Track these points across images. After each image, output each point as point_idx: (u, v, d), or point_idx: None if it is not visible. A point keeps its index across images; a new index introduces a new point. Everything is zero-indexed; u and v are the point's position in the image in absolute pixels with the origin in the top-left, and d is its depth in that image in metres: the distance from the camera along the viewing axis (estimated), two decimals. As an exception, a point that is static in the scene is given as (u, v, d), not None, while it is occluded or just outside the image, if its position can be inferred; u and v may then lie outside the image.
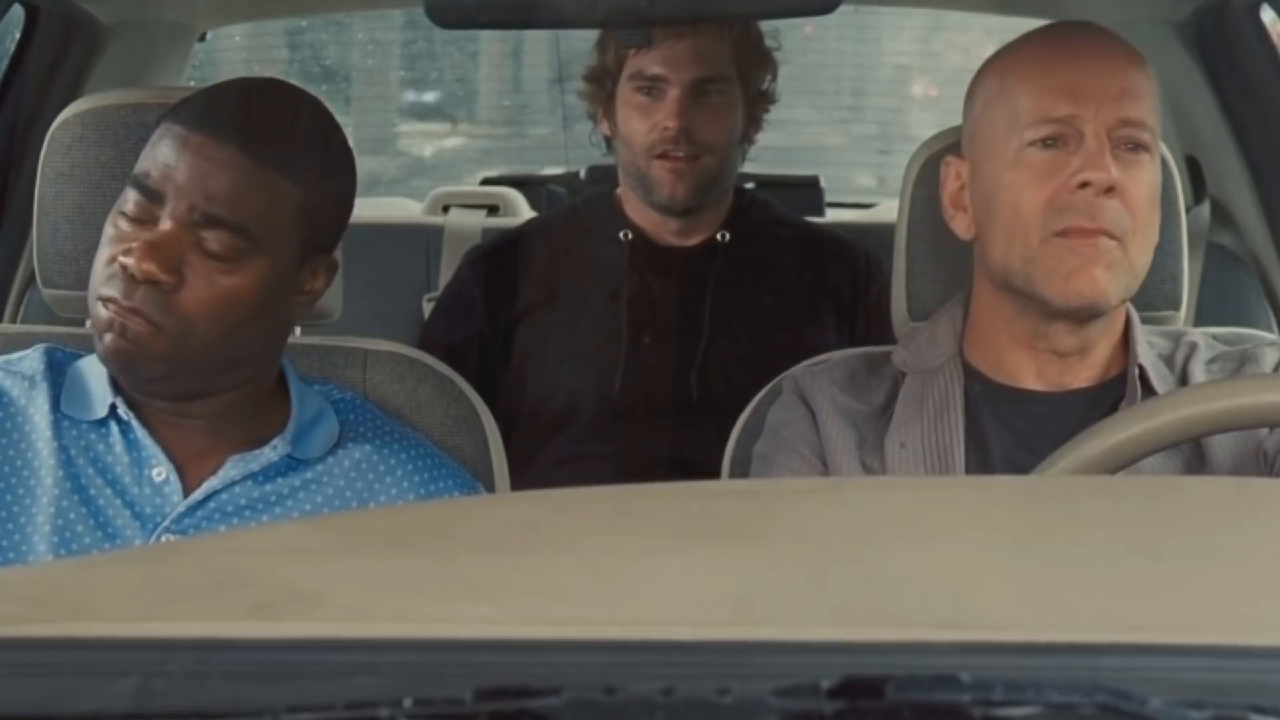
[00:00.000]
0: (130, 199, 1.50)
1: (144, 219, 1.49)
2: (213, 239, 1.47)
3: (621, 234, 2.37)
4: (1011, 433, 1.58)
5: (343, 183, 1.59)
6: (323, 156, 1.55)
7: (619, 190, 2.42)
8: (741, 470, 1.73)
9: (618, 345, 2.31)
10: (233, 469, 1.55)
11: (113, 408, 1.54)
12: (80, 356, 1.61)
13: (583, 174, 3.94)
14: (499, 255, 2.43)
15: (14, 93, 2.48)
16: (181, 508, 1.52)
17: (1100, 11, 2.54)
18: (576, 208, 2.53)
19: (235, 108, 1.52)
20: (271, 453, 1.56)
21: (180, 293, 1.47)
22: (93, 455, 1.53)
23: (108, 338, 1.47)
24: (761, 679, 0.61)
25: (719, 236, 2.38)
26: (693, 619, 0.68)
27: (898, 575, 0.74)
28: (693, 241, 2.38)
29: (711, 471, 1.80)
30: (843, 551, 0.80)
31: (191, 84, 3.03)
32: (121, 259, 1.46)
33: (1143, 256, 1.55)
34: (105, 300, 1.47)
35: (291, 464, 1.57)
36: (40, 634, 0.66)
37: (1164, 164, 1.68)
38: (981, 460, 1.57)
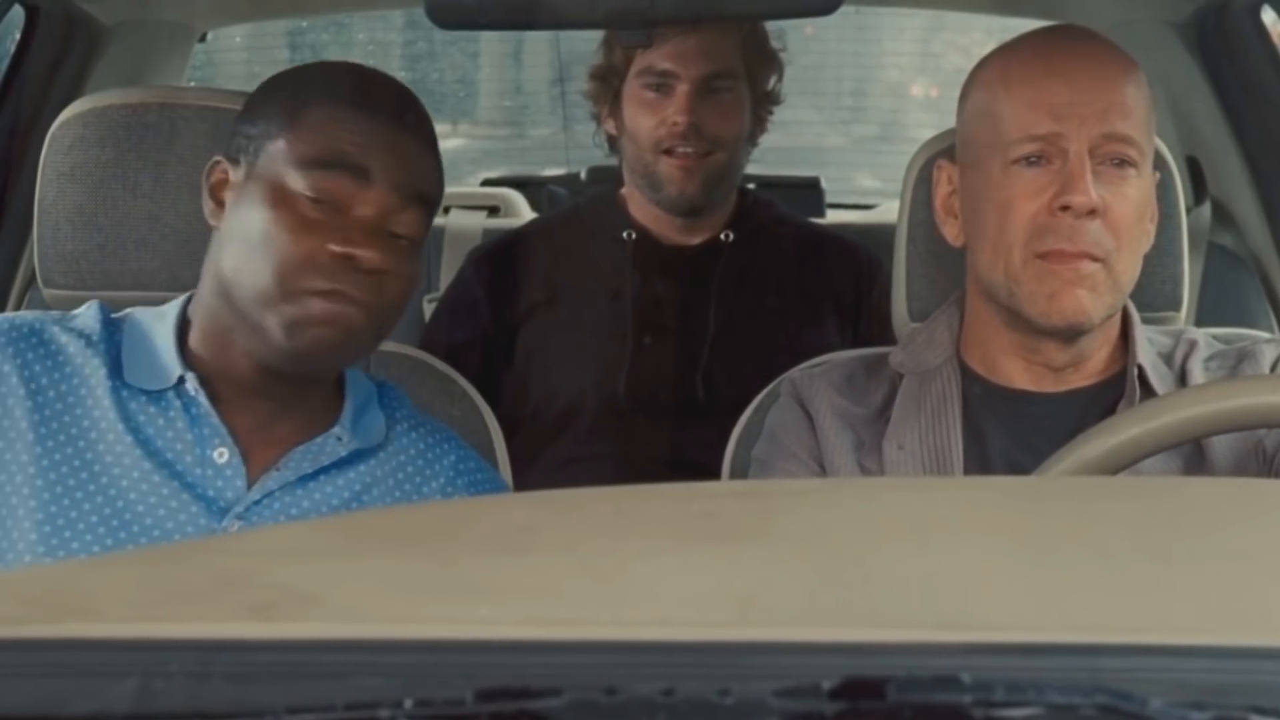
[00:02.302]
0: (316, 182, 1.45)
1: (333, 202, 1.45)
2: (409, 219, 1.47)
3: (625, 234, 2.37)
4: (1010, 432, 1.58)
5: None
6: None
7: (623, 190, 2.42)
8: (741, 473, 1.73)
9: (621, 346, 2.31)
10: (303, 461, 1.50)
11: (180, 380, 1.49)
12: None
13: (583, 175, 3.95)
14: (502, 255, 2.43)
15: (14, 93, 2.48)
16: (256, 495, 1.47)
17: (1100, 12, 2.55)
18: (579, 207, 2.53)
19: (394, 96, 1.52)
20: (338, 445, 1.52)
21: (389, 278, 1.45)
22: (152, 429, 1.47)
23: (315, 332, 1.43)
24: (762, 680, 0.61)
25: (723, 236, 2.38)
26: (693, 620, 0.68)
27: (898, 576, 0.74)
28: (696, 241, 2.38)
29: (715, 473, 1.80)
30: (843, 552, 0.80)
31: (191, 84, 3.03)
32: (336, 247, 1.42)
33: (1129, 273, 1.54)
34: (324, 294, 1.42)
35: (353, 455, 1.54)
36: (41, 634, 0.66)
37: (1164, 164, 1.68)
38: (980, 460, 1.57)
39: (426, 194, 1.49)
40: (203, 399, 1.48)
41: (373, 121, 1.46)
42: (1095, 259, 1.50)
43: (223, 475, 1.47)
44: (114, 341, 1.51)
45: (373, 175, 1.45)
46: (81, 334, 1.51)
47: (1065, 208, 1.49)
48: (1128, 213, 1.52)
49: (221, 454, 1.48)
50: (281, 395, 1.51)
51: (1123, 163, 1.52)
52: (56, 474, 1.45)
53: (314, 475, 1.51)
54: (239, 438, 1.49)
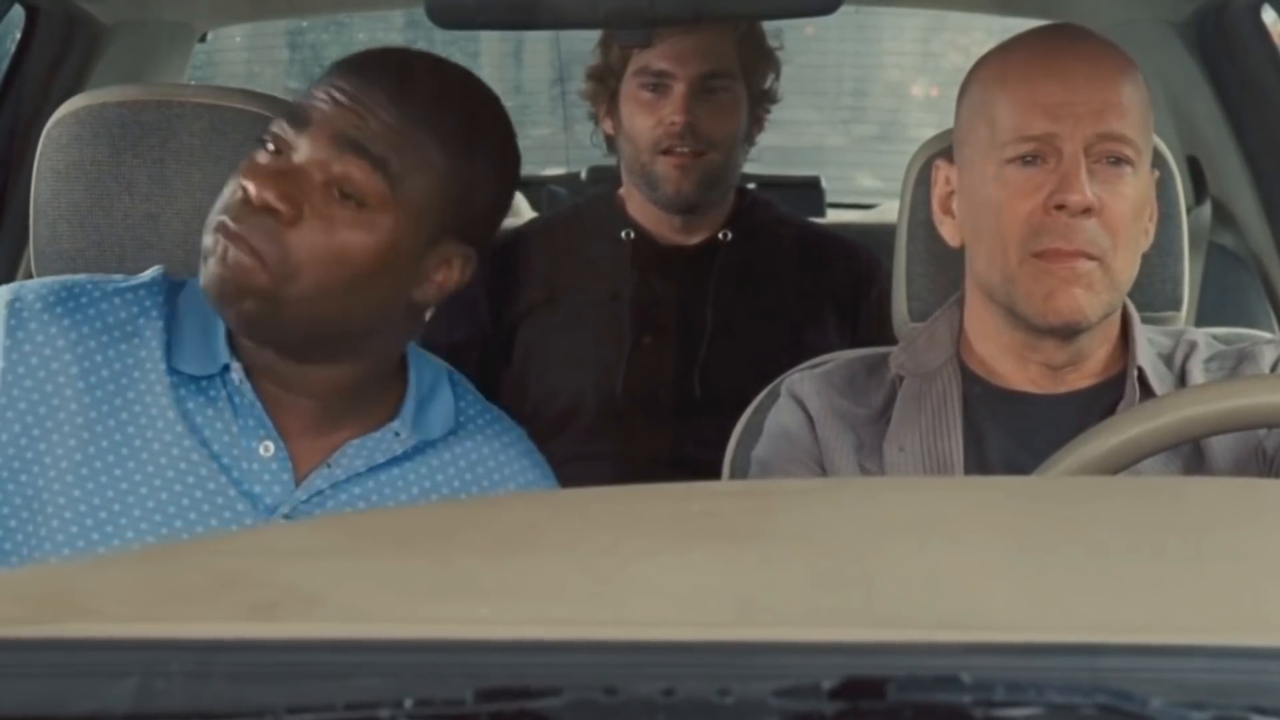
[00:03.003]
0: (271, 129, 1.41)
1: (280, 150, 1.40)
2: (352, 169, 1.38)
3: (623, 233, 2.37)
4: (1010, 434, 1.58)
5: (500, 174, 1.49)
6: (484, 139, 1.46)
7: (621, 190, 2.43)
8: (741, 473, 1.73)
9: (619, 345, 2.31)
10: (356, 458, 1.45)
11: (225, 368, 1.43)
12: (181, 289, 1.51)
13: (583, 174, 3.95)
14: (501, 255, 2.42)
15: (14, 93, 2.48)
16: (303, 495, 1.42)
17: (1100, 12, 2.55)
18: (578, 207, 2.54)
19: (396, 66, 1.44)
20: (395, 442, 1.47)
21: (294, 229, 1.36)
22: (200, 417, 1.43)
23: (210, 263, 1.36)
24: (762, 679, 0.61)
25: (721, 236, 2.38)
26: (694, 619, 0.68)
27: (899, 575, 0.74)
28: (695, 241, 2.38)
29: (713, 471, 1.80)
30: (844, 551, 0.80)
31: (191, 84, 3.03)
32: (243, 181, 1.36)
33: (1126, 271, 1.53)
34: (216, 227, 1.37)
35: (414, 451, 1.48)
36: (41, 635, 0.66)
37: (1164, 164, 1.68)
38: (980, 462, 1.57)
39: (372, 150, 1.38)
40: (248, 388, 1.43)
41: (345, 78, 1.41)
42: (1091, 258, 1.50)
43: (269, 469, 1.43)
44: (169, 318, 1.46)
45: (311, 121, 1.39)
46: (141, 307, 1.46)
47: (1060, 206, 1.49)
48: (1124, 211, 1.52)
49: (267, 448, 1.43)
50: (310, 389, 1.44)
51: (1119, 161, 1.52)
52: (103, 462, 1.40)
53: (368, 473, 1.46)
54: (285, 434, 1.44)
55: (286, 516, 1.42)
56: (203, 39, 3.01)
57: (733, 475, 1.75)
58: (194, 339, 1.45)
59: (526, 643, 0.64)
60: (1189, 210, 2.08)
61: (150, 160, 1.69)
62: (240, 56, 4.71)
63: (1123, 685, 0.61)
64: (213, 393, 1.44)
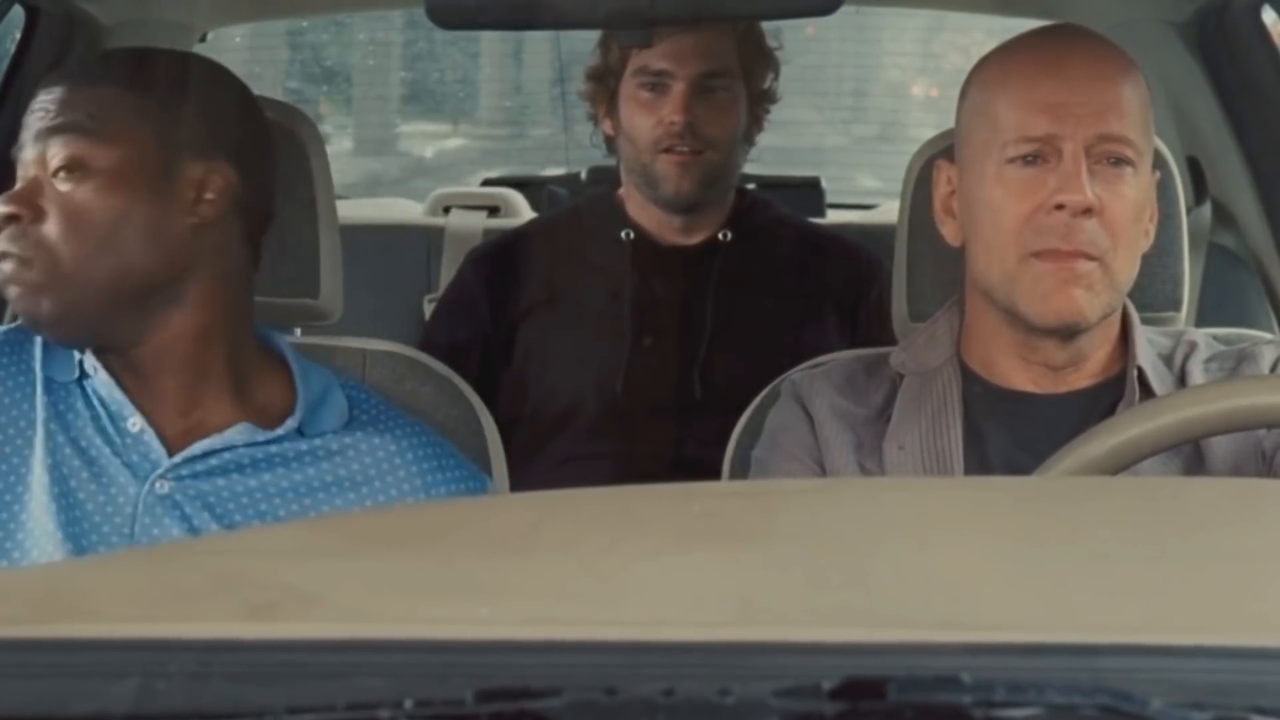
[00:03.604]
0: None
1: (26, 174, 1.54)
2: (58, 146, 1.51)
3: (623, 234, 2.37)
4: (1010, 434, 1.58)
5: (198, 84, 1.59)
6: (155, 70, 1.58)
7: (621, 190, 2.43)
8: (741, 473, 1.73)
9: (620, 345, 2.31)
10: (242, 433, 1.54)
11: (81, 364, 1.56)
12: None
13: (584, 175, 3.95)
14: (501, 256, 2.43)
15: (14, 93, 2.47)
16: (179, 459, 1.52)
17: (1100, 12, 2.55)
18: (578, 208, 2.54)
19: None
20: (282, 431, 1.56)
21: (41, 224, 1.49)
22: (72, 414, 1.55)
23: (13, 296, 1.50)
24: (763, 680, 0.61)
25: (721, 236, 2.38)
26: (694, 620, 0.68)
27: (899, 576, 0.74)
28: (695, 241, 2.38)
29: (714, 471, 1.80)
30: (844, 552, 0.80)
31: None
32: None
33: (1125, 272, 1.53)
34: None
35: (309, 446, 1.57)
36: (41, 635, 0.66)
37: (1164, 164, 1.68)
38: (980, 461, 1.57)
39: (71, 121, 1.52)
40: (103, 374, 1.54)
41: (38, 101, 1.55)
42: (1091, 258, 1.50)
43: (141, 441, 1.53)
44: (43, 342, 1.58)
45: (25, 140, 1.53)
46: (24, 334, 1.58)
47: (1060, 206, 1.49)
48: (1124, 212, 1.52)
49: (135, 423, 1.53)
50: (152, 362, 1.54)
51: (1119, 162, 1.52)
52: (4, 483, 1.51)
53: (255, 448, 1.54)
54: (155, 415, 1.54)
55: (167, 477, 1.51)
56: (203, 39, 3.01)
57: (733, 475, 1.75)
58: (60, 352, 1.58)
59: (526, 643, 0.65)
60: (1189, 210, 2.08)
61: (150, 161, 1.69)
62: (240, 57, 4.70)
63: (1123, 685, 0.61)
64: (83, 392, 1.56)
